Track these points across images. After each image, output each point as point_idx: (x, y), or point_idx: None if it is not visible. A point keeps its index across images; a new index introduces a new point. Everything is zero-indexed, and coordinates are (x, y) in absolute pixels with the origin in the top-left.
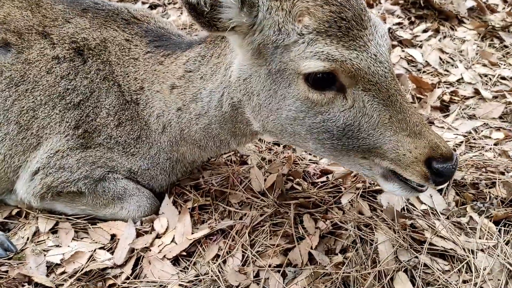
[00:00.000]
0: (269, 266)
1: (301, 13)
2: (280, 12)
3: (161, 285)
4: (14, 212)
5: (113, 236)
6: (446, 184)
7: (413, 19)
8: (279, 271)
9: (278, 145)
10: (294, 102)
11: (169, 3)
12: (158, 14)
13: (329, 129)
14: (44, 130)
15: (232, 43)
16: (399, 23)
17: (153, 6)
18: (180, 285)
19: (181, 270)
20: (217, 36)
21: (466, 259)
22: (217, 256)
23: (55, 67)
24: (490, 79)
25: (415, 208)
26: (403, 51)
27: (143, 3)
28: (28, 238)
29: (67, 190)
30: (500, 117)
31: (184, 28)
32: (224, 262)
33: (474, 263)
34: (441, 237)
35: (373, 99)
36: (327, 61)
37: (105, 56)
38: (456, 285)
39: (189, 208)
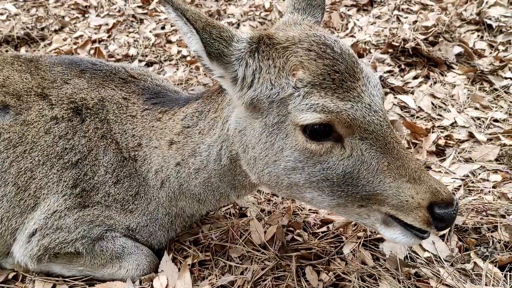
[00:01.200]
0: None
1: (295, 67)
2: (272, 70)
3: None
4: (10, 276)
5: None
6: (447, 230)
7: (403, 66)
8: None
9: (277, 195)
10: (293, 153)
11: (165, 60)
12: (155, 71)
13: (329, 177)
14: (42, 190)
15: (230, 95)
16: (389, 71)
17: (149, 64)
18: None
19: None
20: (214, 90)
21: None
22: None
23: (54, 127)
24: (483, 122)
25: (418, 256)
26: (396, 97)
27: (140, 61)
28: None
29: (64, 251)
30: (496, 159)
31: (180, 83)
32: None
33: None
34: (446, 285)
35: (370, 147)
36: (323, 113)
37: (103, 114)
38: None
39: (189, 265)
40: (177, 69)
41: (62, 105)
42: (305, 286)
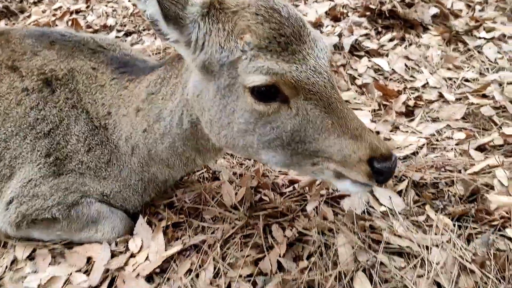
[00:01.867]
0: (240, 276)
1: (243, 31)
2: (221, 33)
3: None
4: None
5: (89, 259)
6: (387, 182)
7: (380, 29)
8: (249, 281)
9: (249, 159)
10: (243, 115)
11: (143, 30)
12: (133, 41)
13: (279, 136)
14: (17, 160)
15: (186, 60)
16: (366, 34)
17: (128, 33)
18: None
19: (154, 287)
20: (174, 57)
21: (421, 255)
22: (190, 270)
23: (25, 99)
24: (455, 82)
25: (375, 210)
26: (370, 60)
27: (118, 31)
28: (6, 267)
29: (41, 217)
30: (463, 118)
31: (159, 53)
32: (197, 275)
33: (428, 258)
34: (398, 235)
35: (315, 107)
36: (268, 75)
37: (72, 85)
38: (411, 280)
39: (163, 227)
40: (155, 39)
41: (32, 77)
42: (271, 242)
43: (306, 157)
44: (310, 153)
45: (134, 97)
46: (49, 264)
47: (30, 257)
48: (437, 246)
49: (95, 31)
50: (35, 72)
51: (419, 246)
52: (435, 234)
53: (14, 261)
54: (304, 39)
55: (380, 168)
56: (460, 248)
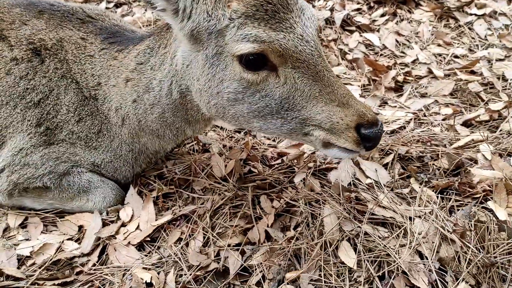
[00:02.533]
0: (229, 245)
1: None
2: (208, 1)
3: (125, 269)
4: None
5: (80, 227)
6: (374, 149)
7: (372, 4)
8: (238, 250)
9: (239, 132)
10: (232, 83)
11: (134, 1)
12: (123, 12)
13: (268, 104)
14: (7, 129)
15: (174, 30)
16: (358, 9)
17: (118, 5)
18: (144, 268)
19: (145, 255)
20: (163, 27)
21: (404, 226)
22: (180, 239)
23: (14, 68)
24: (444, 58)
25: (360, 183)
26: (361, 35)
27: (108, 1)
28: None
29: (33, 186)
30: (451, 94)
31: (149, 25)
32: (187, 245)
33: (410, 229)
34: (382, 207)
35: (302, 76)
36: (256, 43)
37: (62, 55)
38: (394, 249)
39: (153, 197)
40: (146, 10)
41: (21, 46)
42: (260, 212)
43: (296, 125)
44: (300, 121)
45: (123, 67)
46: (41, 232)
47: (22, 225)
48: (419, 217)
49: (85, 1)
50: (24, 41)
51: (402, 217)
52: (419, 205)
53: (7, 229)
54: (291, 8)
55: (368, 134)
56: (442, 220)
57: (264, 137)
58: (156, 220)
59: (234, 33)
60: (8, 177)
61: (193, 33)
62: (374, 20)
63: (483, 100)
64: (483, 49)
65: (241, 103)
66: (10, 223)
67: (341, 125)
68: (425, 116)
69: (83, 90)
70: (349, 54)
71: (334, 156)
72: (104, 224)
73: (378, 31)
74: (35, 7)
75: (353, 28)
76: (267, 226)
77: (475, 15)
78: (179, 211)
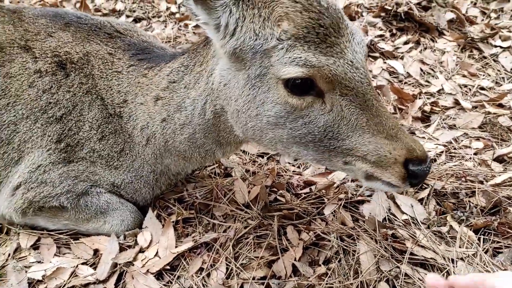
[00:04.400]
0: (253, 278)
1: (280, 18)
2: (256, 19)
3: None
4: None
5: (95, 251)
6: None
7: (394, 31)
8: (263, 284)
9: (262, 157)
10: (274, 107)
11: (153, 17)
12: (142, 28)
13: (311, 131)
14: (26, 144)
15: (215, 45)
16: (380, 35)
17: (137, 20)
18: None
19: (164, 285)
20: (199, 43)
21: (446, 268)
22: (201, 269)
23: (37, 81)
24: (470, 89)
25: (396, 218)
26: (385, 62)
27: (128, 16)
28: (9, 255)
29: (49, 205)
30: (480, 127)
31: (169, 41)
32: (208, 275)
33: (454, 272)
34: (421, 246)
35: (350, 104)
36: (305, 67)
37: (87, 69)
38: None
39: (172, 222)
40: (166, 26)
41: (46, 59)
42: (286, 244)
43: (338, 154)
44: (343, 151)
45: (153, 85)
46: (54, 254)
47: (34, 246)
48: (462, 259)
49: (104, 15)
50: (49, 54)
51: (444, 258)
52: (459, 246)
53: (18, 249)
54: (342, 32)
55: (416, 171)
56: (486, 263)
57: (289, 163)
58: (176, 247)
59: (282, 55)
60: (24, 195)
61: (236, 51)
62: (397, 47)
63: None
64: (509, 82)
65: (282, 128)
66: (22, 243)
67: (389, 159)
68: (455, 149)
69: (108, 107)
70: (373, 80)
71: (377, 188)
72: (121, 248)
73: (401, 58)
74: (62, 19)
75: (377, 54)
76: (295, 260)
77: (500, 47)
78: (200, 238)
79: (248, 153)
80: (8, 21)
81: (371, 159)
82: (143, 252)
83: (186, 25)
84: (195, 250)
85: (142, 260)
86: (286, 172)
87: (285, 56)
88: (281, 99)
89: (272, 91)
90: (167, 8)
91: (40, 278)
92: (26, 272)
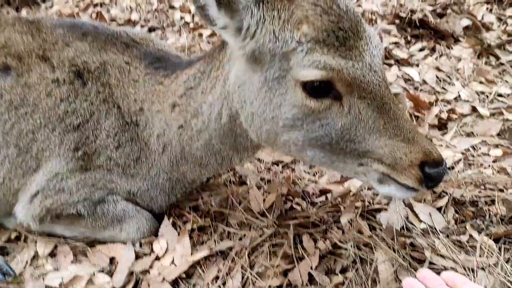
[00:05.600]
0: (269, 287)
1: (300, 21)
2: (276, 21)
3: None
4: (13, 236)
5: (112, 259)
6: (435, 188)
7: (409, 38)
8: None
9: (277, 165)
10: (291, 110)
11: (167, 26)
12: (157, 37)
13: (328, 134)
14: (44, 152)
15: (232, 49)
16: (395, 43)
17: (151, 29)
18: None
19: None
20: (215, 49)
21: (466, 278)
22: (217, 277)
23: (55, 90)
24: (487, 96)
25: (414, 227)
26: (400, 70)
27: (142, 26)
28: (27, 262)
29: (66, 212)
30: (498, 134)
31: (183, 51)
32: (224, 283)
33: (474, 282)
34: (441, 255)
35: (368, 107)
36: (325, 70)
37: (104, 78)
38: None
39: (188, 230)
40: (180, 36)
41: (63, 68)
42: (302, 253)
43: (354, 156)
44: (359, 153)
45: (170, 93)
46: (71, 262)
47: (51, 254)
48: (483, 269)
49: (119, 25)
50: (67, 63)
51: (464, 268)
52: (480, 256)
53: (35, 257)
54: (361, 35)
55: (432, 174)
56: (509, 273)
57: (304, 171)
58: (191, 255)
59: (302, 57)
60: (42, 202)
61: (254, 53)
62: (413, 55)
63: None
64: None
65: (298, 130)
66: (39, 250)
67: (405, 161)
68: (473, 156)
69: (125, 115)
70: None
71: (389, 193)
72: (137, 256)
73: (417, 65)
74: (79, 29)
75: (392, 61)
76: (311, 268)
77: None
78: (215, 246)
79: (263, 161)
80: (27, 31)
81: (387, 161)
82: (159, 259)
83: (200, 35)
84: (210, 258)
85: (158, 268)
86: (301, 180)
87: (305, 58)
88: (299, 101)
89: (289, 94)
90: (181, 18)
91: (57, 286)
92: (43, 279)
